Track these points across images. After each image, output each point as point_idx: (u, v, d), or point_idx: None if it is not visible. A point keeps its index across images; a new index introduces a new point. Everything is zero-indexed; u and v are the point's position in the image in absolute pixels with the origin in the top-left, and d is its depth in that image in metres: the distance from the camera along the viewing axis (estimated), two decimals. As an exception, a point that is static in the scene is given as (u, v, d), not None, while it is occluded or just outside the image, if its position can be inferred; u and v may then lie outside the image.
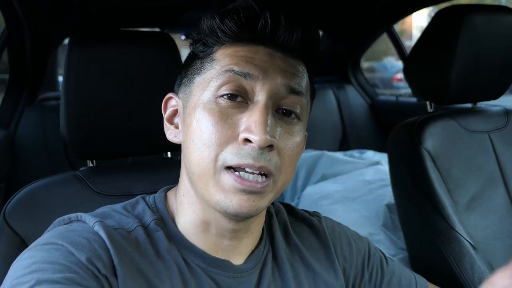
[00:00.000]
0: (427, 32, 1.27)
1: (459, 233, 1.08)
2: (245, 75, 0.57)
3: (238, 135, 0.55)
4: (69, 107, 0.84)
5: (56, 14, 1.73)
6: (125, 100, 0.87)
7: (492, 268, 1.08)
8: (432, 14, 1.29)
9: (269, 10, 0.58)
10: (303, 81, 0.62)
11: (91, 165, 0.93)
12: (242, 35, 0.59)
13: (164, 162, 0.97)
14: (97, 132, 0.86)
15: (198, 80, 0.61)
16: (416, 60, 1.31)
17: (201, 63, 0.61)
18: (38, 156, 2.08)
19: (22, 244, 0.76)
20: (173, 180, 0.69)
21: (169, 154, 0.99)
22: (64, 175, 0.87)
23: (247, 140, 0.55)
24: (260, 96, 0.57)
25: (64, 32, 2.06)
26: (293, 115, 0.60)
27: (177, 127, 0.65)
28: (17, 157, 2.04)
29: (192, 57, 0.64)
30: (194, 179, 0.59)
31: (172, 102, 0.66)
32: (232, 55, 0.59)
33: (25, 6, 1.56)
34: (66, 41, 2.25)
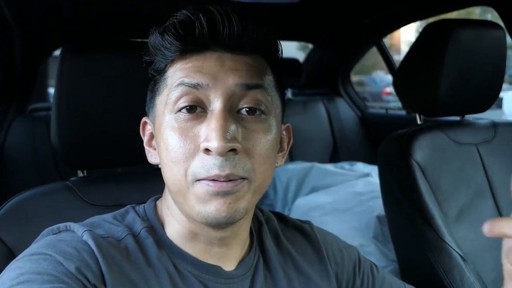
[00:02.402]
0: (416, 46, 1.29)
1: (448, 245, 1.09)
2: (195, 86, 0.56)
3: (199, 146, 0.55)
4: (61, 116, 0.84)
5: (47, 23, 1.73)
6: (117, 109, 0.87)
7: (481, 279, 1.09)
8: (420, 30, 1.31)
9: (203, 15, 0.56)
10: (262, 75, 0.60)
11: (81, 175, 0.92)
12: (186, 47, 0.58)
13: (155, 172, 0.97)
14: (88, 142, 0.86)
15: (158, 101, 0.61)
16: (405, 74, 1.33)
17: (158, 84, 0.62)
18: (27, 166, 2.06)
19: (10, 255, 0.75)
20: (163, 190, 0.69)
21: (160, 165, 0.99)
22: (54, 185, 0.86)
23: (208, 150, 0.54)
24: (216, 102, 0.56)
25: (55, 42, 2.06)
26: (257, 112, 0.58)
27: (155, 149, 0.66)
28: (6, 167, 2.02)
29: (151, 79, 0.64)
30: (173, 196, 0.60)
31: (148, 126, 0.67)
32: (182, 69, 0.58)
33: (17, 15, 1.56)
34: (57, 52, 2.24)
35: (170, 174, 0.57)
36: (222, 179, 0.54)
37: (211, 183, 0.54)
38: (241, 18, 0.57)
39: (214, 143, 0.53)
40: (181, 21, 0.57)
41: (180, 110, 0.57)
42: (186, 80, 0.57)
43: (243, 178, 0.56)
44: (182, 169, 0.56)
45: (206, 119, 0.56)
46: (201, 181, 0.55)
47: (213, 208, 0.55)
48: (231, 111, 0.57)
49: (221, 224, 0.57)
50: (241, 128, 0.57)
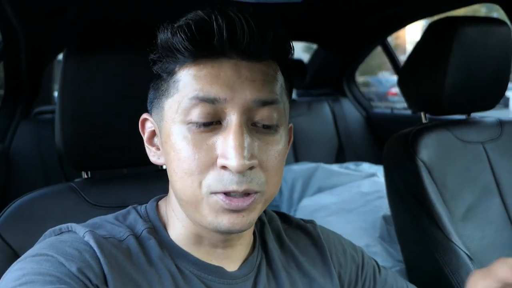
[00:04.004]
0: (421, 44, 1.28)
1: (455, 244, 1.08)
2: (212, 101, 0.54)
3: (216, 160, 0.54)
4: (65, 118, 0.84)
5: (52, 26, 1.74)
6: (121, 111, 0.86)
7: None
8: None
9: (223, 19, 0.53)
10: (276, 86, 0.58)
11: (85, 176, 0.92)
12: (200, 52, 0.55)
13: (159, 173, 0.97)
14: (93, 143, 0.86)
15: (167, 104, 0.58)
16: (410, 72, 1.32)
17: (166, 85, 0.58)
18: (33, 169, 2.07)
19: (15, 256, 0.75)
20: (167, 191, 0.69)
21: (164, 165, 0.99)
22: (58, 187, 0.86)
23: (225, 166, 0.53)
24: (232, 115, 0.54)
25: (59, 44, 2.07)
26: (272, 127, 0.57)
27: (158, 149, 0.64)
28: (12, 170, 2.03)
29: (157, 77, 0.61)
30: (184, 204, 0.59)
31: (148, 124, 0.65)
32: (195, 76, 0.55)
33: (22, 19, 1.57)
34: (61, 56, 2.25)
35: (182, 185, 0.56)
36: (238, 194, 0.54)
37: (227, 200, 0.54)
38: (259, 24, 0.54)
39: (233, 162, 0.52)
40: (196, 23, 0.54)
41: (193, 123, 0.55)
42: (201, 94, 0.54)
43: (257, 192, 0.56)
44: (196, 181, 0.55)
45: (221, 131, 0.55)
46: (216, 194, 0.54)
47: (226, 221, 0.55)
48: (246, 124, 0.55)
49: (232, 233, 0.58)
50: (256, 141, 0.55)
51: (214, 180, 0.54)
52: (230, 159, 0.52)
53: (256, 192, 0.56)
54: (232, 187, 0.53)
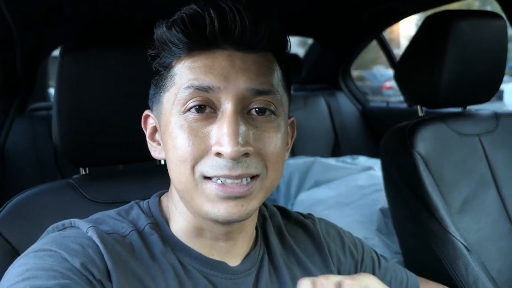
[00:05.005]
0: (417, 38, 1.28)
1: (452, 235, 1.09)
2: (206, 89, 0.55)
3: (210, 148, 0.55)
4: (62, 114, 0.84)
5: (48, 22, 1.73)
6: (118, 106, 0.86)
7: (486, 269, 1.09)
8: (419, 23, 1.30)
9: (215, 11, 0.54)
10: (271, 77, 0.59)
11: (83, 172, 0.92)
12: (194, 44, 0.56)
13: (158, 169, 0.97)
14: (90, 139, 0.86)
15: (165, 97, 0.60)
16: (407, 66, 1.33)
17: (164, 79, 0.60)
18: (29, 166, 2.06)
19: (14, 253, 0.75)
20: (167, 186, 0.70)
21: (162, 161, 0.99)
22: (56, 183, 0.86)
23: (219, 153, 0.54)
24: (227, 104, 0.55)
25: (55, 42, 2.05)
26: (267, 112, 0.58)
27: (159, 144, 0.65)
28: (7, 167, 2.02)
29: (156, 73, 0.62)
30: (180, 194, 0.60)
31: (150, 120, 0.66)
32: (190, 67, 0.56)
33: (16, 15, 1.55)
34: (56, 52, 2.24)
35: (176, 172, 0.57)
36: (232, 178, 0.54)
37: (220, 188, 0.54)
38: (253, 15, 0.56)
39: (227, 148, 0.53)
40: (190, 17, 0.55)
41: (189, 110, 0.56)
42: (196, 83, 0.56)
43: (256, 176, 0.56)
44: (188, 167, 0.55)
45: (216, 120, 0.56)
46: (209, 181, 0.55)
47: (224, 210, 0.55)
48: (241, 113, 0.56)
49: (230, 223, 0.58)
50: (252, 129, 0.56)
51: (207, 166, 0.55)
52: (224, 146, 0.53)
53: (254, 177, 0.56)
54: (224, 172, 0.54)
